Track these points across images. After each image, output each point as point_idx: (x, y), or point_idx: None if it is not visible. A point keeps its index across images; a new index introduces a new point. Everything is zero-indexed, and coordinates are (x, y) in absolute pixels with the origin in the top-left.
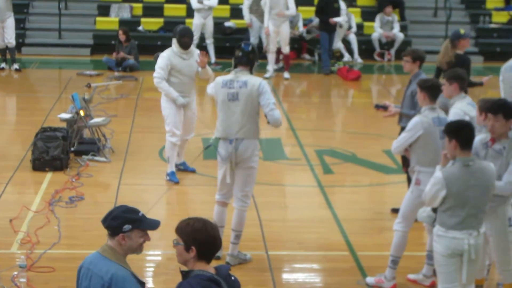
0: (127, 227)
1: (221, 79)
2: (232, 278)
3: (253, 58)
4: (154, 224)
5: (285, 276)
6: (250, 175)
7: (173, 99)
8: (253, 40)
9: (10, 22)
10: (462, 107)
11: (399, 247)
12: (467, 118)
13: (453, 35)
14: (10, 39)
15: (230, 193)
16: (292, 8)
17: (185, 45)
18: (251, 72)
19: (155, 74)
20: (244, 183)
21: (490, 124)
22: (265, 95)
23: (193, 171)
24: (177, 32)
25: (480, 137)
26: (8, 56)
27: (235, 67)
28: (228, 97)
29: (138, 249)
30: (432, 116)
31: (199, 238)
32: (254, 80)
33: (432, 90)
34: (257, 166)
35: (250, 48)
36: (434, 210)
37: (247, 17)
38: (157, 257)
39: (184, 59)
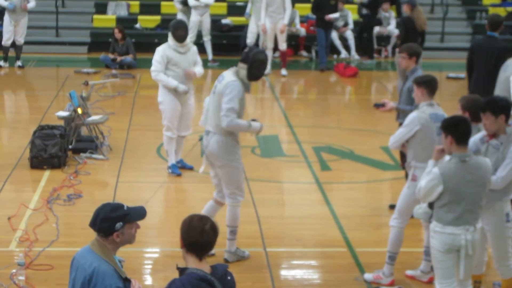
0: (118, 225)
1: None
2: (228, 277)
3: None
4: (141, 213)
5: (284, 272)
6: (228, 174)
7: (173, 88)
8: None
9: (24, 22)
10: None
11: (396, 243)
12: None
13: None
14: (20, 38)
15: (223, 192)
16: (288, 8)
17: (180, 38)
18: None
19: (152, 68)
20: (226, 182)
21: (483, 123)
22: (226, 97)
23: (190, 168)
24: (172, 25)
25: (481, 134)
26: (9, 54)
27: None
28: (212, 89)
29: (132, 239)
30: (430, 112)
31: (190, 236)
32: (228, 79)
33: (429, 85)
34: (236, 165)
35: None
36: (430, 206)
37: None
38: (155, 254)
39: (181, 53)
